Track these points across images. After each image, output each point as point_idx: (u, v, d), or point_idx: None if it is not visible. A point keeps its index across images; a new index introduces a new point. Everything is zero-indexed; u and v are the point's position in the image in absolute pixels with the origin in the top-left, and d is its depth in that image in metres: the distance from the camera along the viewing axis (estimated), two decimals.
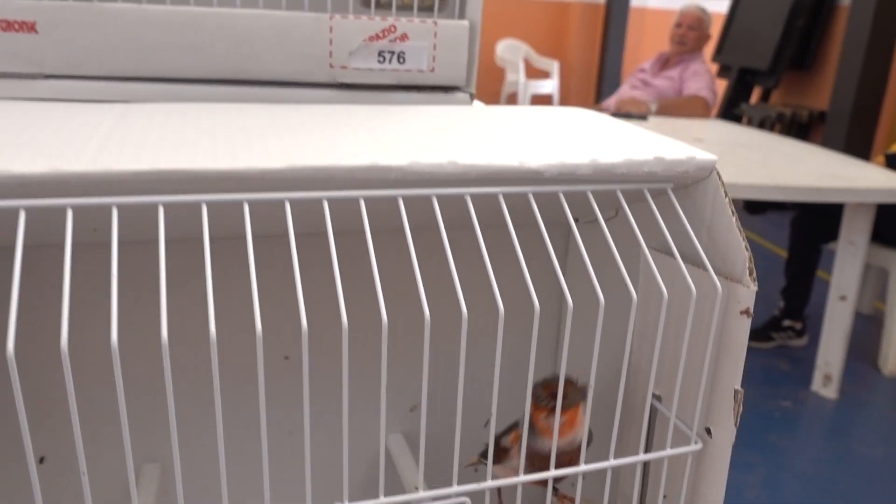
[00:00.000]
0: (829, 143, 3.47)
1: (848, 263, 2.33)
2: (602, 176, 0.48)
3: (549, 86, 5.59)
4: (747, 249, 0.46)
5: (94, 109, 0.57)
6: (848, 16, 3.48)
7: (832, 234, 2.47)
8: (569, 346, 0.45)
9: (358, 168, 0.44)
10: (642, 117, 2.99)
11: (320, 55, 0.74)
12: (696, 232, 0.50)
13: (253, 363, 0.39)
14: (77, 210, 0.40)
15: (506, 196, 0.47)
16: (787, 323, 2.75)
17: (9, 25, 0.69)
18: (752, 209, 3.60)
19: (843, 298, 2.34)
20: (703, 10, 3.25)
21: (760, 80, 3.86)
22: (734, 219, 0.48)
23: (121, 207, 0.40)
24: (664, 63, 3.34)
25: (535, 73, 5.60)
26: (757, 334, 2.72)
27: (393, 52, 0.75)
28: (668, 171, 0.49)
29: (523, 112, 0.67)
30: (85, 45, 0.70)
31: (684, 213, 0.50)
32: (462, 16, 0.76)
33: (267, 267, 0.58)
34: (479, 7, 0.76)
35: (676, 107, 3.13)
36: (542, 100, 5.55)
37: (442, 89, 0.78)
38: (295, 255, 0.41)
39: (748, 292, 0.46)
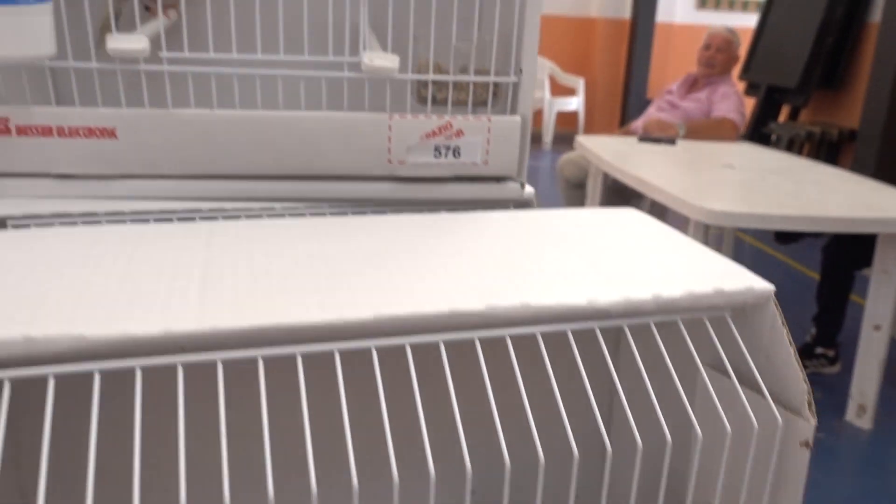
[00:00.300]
0: (859, 162, 3.44)
1: (882, 293, 2.32)
2: (664, 308, 0.51)
3: (575, 103, 5.60)
4: (806, 382, 0.49)
5: (182, 240, 0.60)
6: (878, 33, 3.45)
7: (865, 260, 2.46)
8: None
9: (439, 315, 0.47)
10: (671, 142, 2.99)
11: (380, 151, 0.77)
12: (753, 357, 0.52)
13: None
14: (185, 367, 0.44)
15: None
16: (819, 350, 2.74)
17: (91, 132, 0.73)
18: (783, 239, 3.58)
19: (877, 328, 2.33)
20: (731, 33, 3.24)
21: (789, 98, 3.84)
22: (792, 350, 0.51)
23: (225, 362, 0.44)
24: (692, 84, 3.34)
25: (560, 90, 5.61)
26: None
27: (449, 147, 0.78)
28: (727, 302, 0.52)
29: (577, 219, 0.69)
30: (160, 148, 0.75)
31: (741, 338, 0.52)
32: (514, 111, 0.79)
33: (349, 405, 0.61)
34: (529, 102, 0.79)
35: (705, 129, 3.13)
36: (567, 117, 5.57)
37: (494, 179, 0.81)
38: (384, 403, 0.44)
39: (808, 425, 0.49)
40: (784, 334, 0.51)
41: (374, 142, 0.77)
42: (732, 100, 3.17)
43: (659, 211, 3.59)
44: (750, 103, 3.67)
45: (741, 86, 3.81)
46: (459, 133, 0.77)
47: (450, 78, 0.77)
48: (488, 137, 0.78)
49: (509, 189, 0.81)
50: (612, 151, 2.85)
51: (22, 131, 0.72)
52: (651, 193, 2.54)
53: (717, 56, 3.21)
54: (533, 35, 0.76)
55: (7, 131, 0.72)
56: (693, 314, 0.52)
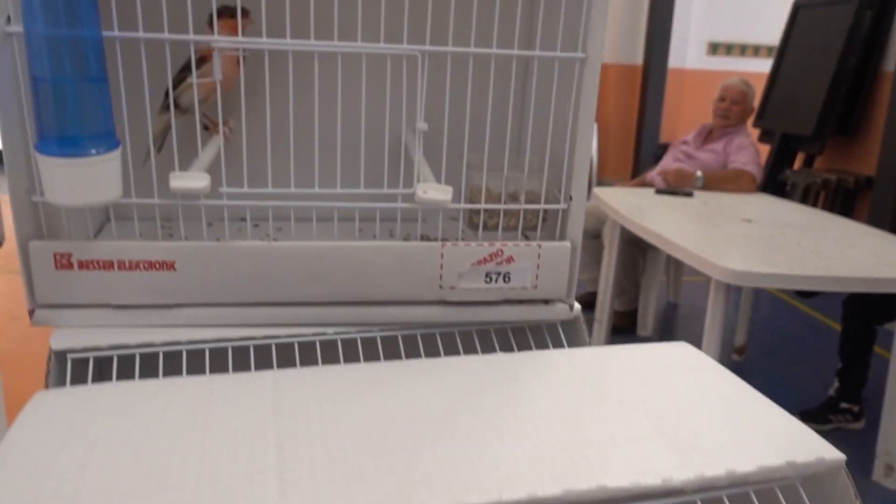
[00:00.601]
0: (876, 210, 3.44)
1: None
2: (737, 482, 0.51)
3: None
4: None
5: (248, 402, 0.60)
6: (892, 81, 3.47)
7: (888, 314, 2.45)
8: None
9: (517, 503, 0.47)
10: (688, 194, 3.00)
11: (431, 278, 0.78)
12: None
13: None
14: None
15: None
16: (844, 405, 2.71)
17: (150, 265, 0.74)
18: (804, 293, 3.58)
19: None
20: (746, 84, 3.27)
21: (804, 145, 3.86)
22: None
23: None
24: (707, 135, 3.37)
25: None
26: (813, 416, 2.68)
27: (499, 273, 0.79)
28: (798, 473, 0.52)
29: (632, 360, 0.69)
30: (217, 279, 0.76)
31: None
32: (563, 236, 0.80)
33: None
34: (579, 227, 0.80)
35: (722, 181, 3.14)
36: None
37: (543, 301, 0.82)
38: None
39: None
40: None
41: (425, 269, 0.78)
42: (749, 151, 3.19)
43: (677, 263, 3.59)
44: (764, 150, 3.69)
45: (755, 133, 3.83)
46: (510, 259, 0.78)
47: (501, 206, 0.79)
48: (538, 262, 0.79)
49: (557, 311, 0.82)
50: (628, 204, 2.86)
51: (84, 265, 0.74)
52: (670, 250, 2.54)
53: (732, 108, 3.23)
54: (583, 162, 0.78)
55: (69, 266, 0.74)
56: (764, 486, 0.53)
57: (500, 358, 0.69)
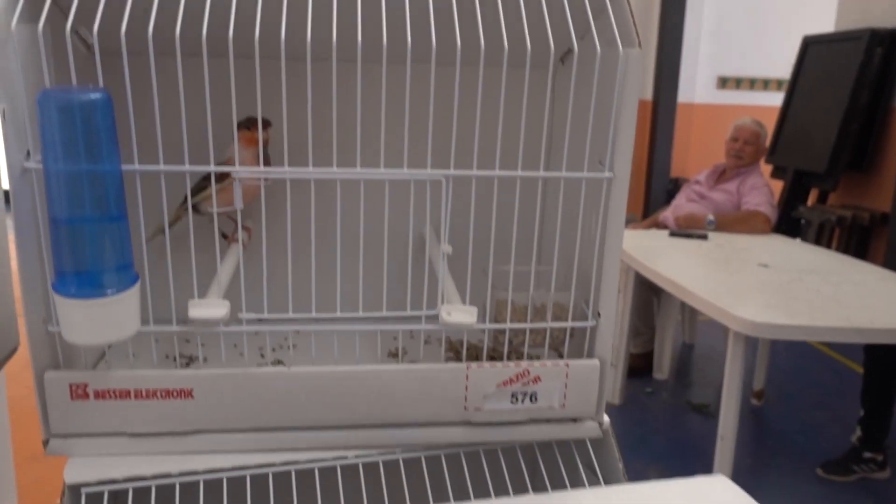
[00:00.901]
0: (893, 249, 3.40)
1: None
2: None
3: None
4: None
5: None
6: None
7: None
8: None
9: None
10: (703, 236, 2.98)
11: (456, 400, 0.76)
12: None
13: None
14: None
15: None
16: (867, 455, 2.65)
17: (168, 393, 0.72)
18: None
19: None
20: (759, 125, 3.25)
21: (817, 182, 3.83)
22: None
23: None
24: (720, 175, 3.34)
25: None
26: (837, 467, 2.63)
27: (525, 393, 0.76)
28: None
29: (668, 498, 0.67)
30: (236, 405, 0.74)
31: None
32: (591, 354, 0.78)
33: None
34: (608, 345, 0.77)
35: (736, 222, 3.12)
36: None
37: (571, 420, 0.79)
38: None
39: None
40: None
41: (450, 391, 0.75)
42: (763, 192, 3.16)
43: (691, 308, 3.55)
44: (776, 186, 3.66)
45: (767, 169, 3.81)
46: (537, 379, 0.76)
47: (527, 325, 0.77)
48: (566, 382, 0.76)
49: (587, 429, 0.79)
50: (641, 247, 2.83)
51: (100, 395, 0.72)
52: (685, 298, 2.51)
53: (745, 148, 3.21)
54: (612, 279, 0.75)
55: (85, 396, 0.72)
56: None
57: (532, 501, 0.67)
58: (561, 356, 0.81)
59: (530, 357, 0.80)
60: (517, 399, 0.76)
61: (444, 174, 0.70)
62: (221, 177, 0.81)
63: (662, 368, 3.23)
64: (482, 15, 0.69)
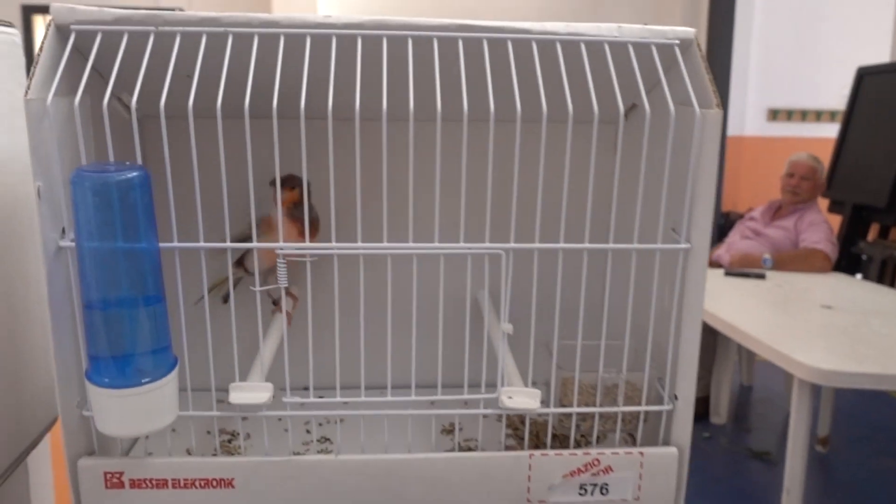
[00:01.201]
0: None
1: None
2: None
3: None
4: None
5: None
6: None
7: None
8: None
9: None
10: (761, 276, 2.85)
11: (518, 492, 0.69)
12: None
13: None
14: None
15: None
16: None
17: (207, 483, 0.67)
18: None
19: None
20: (815, 160, 3.13)
21: (877, 216, 3.66)
22: None
23: None
24: (776, 211, 3.21)
25: None
26: None
27: (596, 485, 0.69)
28: None
29: None
30: (279, 496, 0.68)
31: None
32: (667, 440, 0.70)
33: None
34: (687, 431, 0.69)
35: (795, 261, 2.98)
36: None
37: None
38: None
39: None
40: None
41: (511, 482, 0.68)
42: (822, 228, 3.02)
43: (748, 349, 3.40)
44: (833, 220, 3.51)
45: (824, 203, 3.66)
46: (608, 469, 0.69)
47: (596, 409, 0.69)
48: (640, 472, 0.69)
49: None
50: None
51: (135, 484, 0.67)
52: (746, 343, 2.39)
53: (802, 184, 3.09)
54: (691, 360, 0.68)
55: (120, 485, 0.67)
56: None
57: None
58: (633, 438, 0.74)
59: (599, 441, 0.73)
60: (586, 491, 0.69)
61: (504, 248, 0.64)
62: (265, 228, 0.78)
63: (720, 412, 3.07)
64: (542, 73, 0.63)
